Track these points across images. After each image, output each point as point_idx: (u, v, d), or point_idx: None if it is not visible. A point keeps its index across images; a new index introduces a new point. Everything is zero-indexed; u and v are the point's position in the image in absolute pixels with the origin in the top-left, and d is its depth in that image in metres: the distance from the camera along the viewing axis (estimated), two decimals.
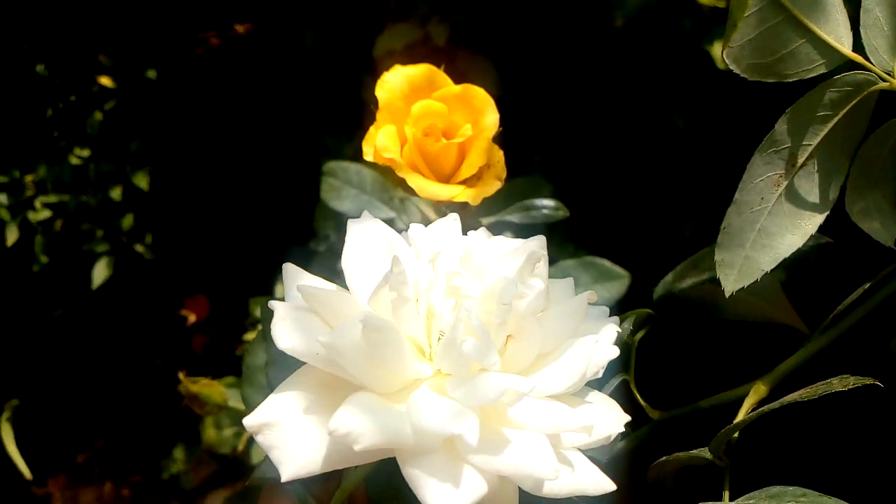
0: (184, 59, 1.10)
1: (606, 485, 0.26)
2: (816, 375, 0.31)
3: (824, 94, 0.32)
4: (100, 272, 1.05)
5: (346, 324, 0.25)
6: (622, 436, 0.34)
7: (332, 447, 0.24)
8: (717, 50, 0.58)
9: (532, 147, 0.85)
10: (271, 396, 0.26)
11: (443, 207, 0.43)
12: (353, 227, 0.30)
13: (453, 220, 0.32)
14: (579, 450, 0.27)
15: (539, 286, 0.27)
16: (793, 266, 0.34)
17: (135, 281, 1.14)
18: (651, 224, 0.79)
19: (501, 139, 0.38)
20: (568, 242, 0.81)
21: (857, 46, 0.32)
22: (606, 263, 0.60)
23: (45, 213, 1.05)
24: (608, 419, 0.27)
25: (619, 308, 0.51)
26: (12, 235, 1.03)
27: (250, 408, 0.36)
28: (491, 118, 0.38)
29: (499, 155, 0.38)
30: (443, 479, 0.23)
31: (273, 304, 0.27)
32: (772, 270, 0.33)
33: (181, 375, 0.51)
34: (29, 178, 1.06)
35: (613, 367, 0.37)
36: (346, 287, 0.29)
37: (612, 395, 0.35)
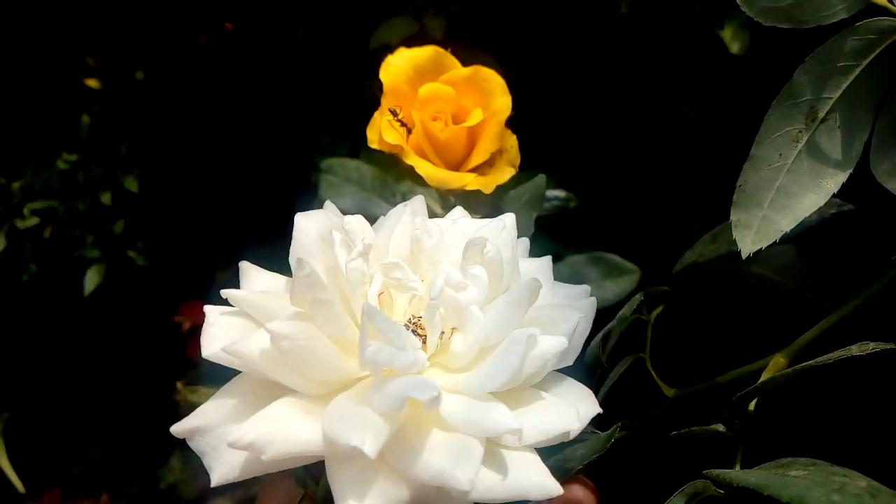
0: (172, 58, 1.08)
1: (551, 487, 0.24)
2: (838, 348, 0.29)
3: (845, 43, 0.31)
4: (91, 279, 1.03)
5: (251, 335, 0.25)
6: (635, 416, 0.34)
7: (248, 455, 0.24)
8: (728, 34, 0.56)
9: (535, 141, 0.83)
10: (206, 402, 0.26)
11: (451, 198, 0.42)
12: (299, 221, 0.30)
13: (418, 203, 0.31)
14: (535, 447, 0.26)
15: (481, 275, 0.27)
16: (815, 235, 0.33)
17: (128, 287, 1.12)
18: (660, 217, 0.77)
19: (514, 124, 0.36)
20: (575, 237, 0.80)
21: None
22: (616, 258, 0.59)
23: (34, 220, 1.02)
24: (563, 416, 0.26)
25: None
26: (0, 244, 1.01)
27: None
28: (503, 101, 0.36)
29: (512, 140, 0.36)
30: (355, 485, 0.23)
31: (207, 308, 0.27)
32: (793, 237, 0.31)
33: (179, 385, 0.49)
34: (16, 185, 1.04)
35: (628, 345, 0.36)
36: None
37: (627, 373, 0.35)
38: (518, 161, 0.36)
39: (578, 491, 0.28)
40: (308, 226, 0.30)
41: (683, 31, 0.65)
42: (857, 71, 0.31)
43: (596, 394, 0.35)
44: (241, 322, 0.27)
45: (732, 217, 0.32)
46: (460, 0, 0.82)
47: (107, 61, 1.04)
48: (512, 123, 0.38)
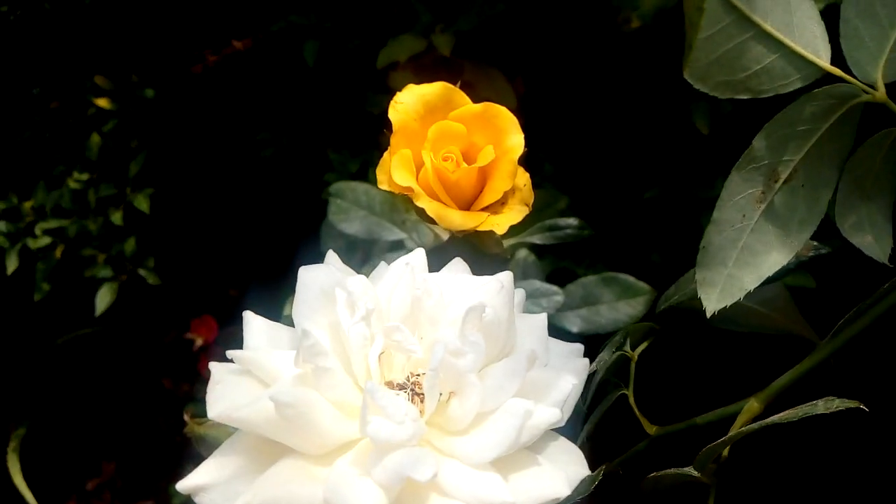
0: (182, 77, 1.08)
1: None
2: (821, 391, 0.30)
3: (804, 109, 0.32)
4: (103, 298, 1.03)
5: (255, 398, 0.26)
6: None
7: None
8: None
9: (544, 156, 0.82)
10: (208, 459, 0.27)
11: (460, 235, 0.41)
12: (302, 275, 0.30)
13: (418, 258, 0.31)
14: None
15: (479, 342, 0.27)
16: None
17: (140, 305, 1.12)
18: (672, 232, 0.76)
19: (527, 161, 0.36)
20: (585, 255, 0.79)
21: (837, 59, 0.32)
22: (629, 279, 0.58)
23: (45, 240, 1.02)
24: (554, 483, 0.26)
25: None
26: (12, 263, 1.01)
27: None
28: (515, 139, 0.35)
29: (525, 178, 0.35)
30: None
31: (212, 365, 0.28)
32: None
33: (187, 417, 0.48)
34: (27, 205, 1.04)
35: (612, 383, 0.37)
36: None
37: (613, 408, 0.36)
38: (531, 199, 0.35)
39: None
40: (311, 280, 0.30)
41: None
42: (819, 134, 0.32)
43: (582, 427, 0.36)
44: (246, 381, 0.28)
45: (697, 276, 0.33)
46: (469, 17, 0.81)
47: (117, 81, 1.04)
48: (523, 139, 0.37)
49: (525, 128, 0.36)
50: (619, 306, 0.58)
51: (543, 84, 0.84)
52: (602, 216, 0.78)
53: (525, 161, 0.37)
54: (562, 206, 0.71)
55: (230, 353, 0.28)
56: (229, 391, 0.27)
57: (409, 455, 0.24)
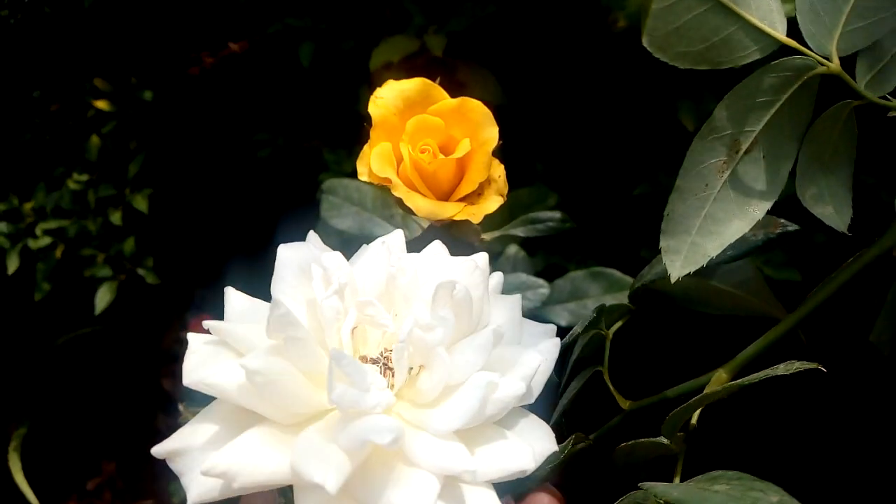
0: (180, 79, 1.09)
1: None
2: (780, 362, 0.30)
3: (763, 80, 0.32)
4: (102, 297, 1.04)
5: (229, 366, 0.26)
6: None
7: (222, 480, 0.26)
8: None
9: (534, 155, 0.83)
10: (185, 426, 0.28)
11: (438, 225, 0.42)
12: (281, 252, 0.31)
13: (395, 238, 0.32)
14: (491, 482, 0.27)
15: (449, 317, 0.27)
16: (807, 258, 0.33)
17: (139, 304, 1.13)
18: (660, 228, 0.77)
19: (502, 153, 0.37)
20: (575, 251, 0.80)
21: (794, 33, 0.32)
22: (615, 273, 0.59)
23: (46, 240, 1.04)
24: (519, 456, 0.27)
25: None
26: (13, 264, 1.03)
27: None
28: (490, 131, 0.36)
29: (500, 170, 0.36)
30: None
31: (189, 336, 0.28)
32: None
33: (181, 407, 0.49)
34: (28, 206, 1.06)
35: (590, 358, 0.38)
36: None
37: (586, 387, 0.36)
38: (506, 190, 0.36)
39: (544, 499, 0.29)
40: (289, 257, 0.30)
41: None
42: (778, 105, 0.32)
43: (556, 405, 0.36)
44: (220, 351, 0.28)
45: (662, 244, 0.33)
46: (460, 18, 0.82)
47: (116, 83, 1.05)
48: (511, 140, 0.38)
49: (516, 127, 0.37)
50: (606, 300, 0.59)
51: (534, 84, 0.85)
52: (592, 213, 0.79)
53: (516, 160, 0.38)
54: (552, 202, 0.71)
55: (206, 324, 0.28)
56: (205, 360, 0.27)
57: (372, 421, 0.25)
